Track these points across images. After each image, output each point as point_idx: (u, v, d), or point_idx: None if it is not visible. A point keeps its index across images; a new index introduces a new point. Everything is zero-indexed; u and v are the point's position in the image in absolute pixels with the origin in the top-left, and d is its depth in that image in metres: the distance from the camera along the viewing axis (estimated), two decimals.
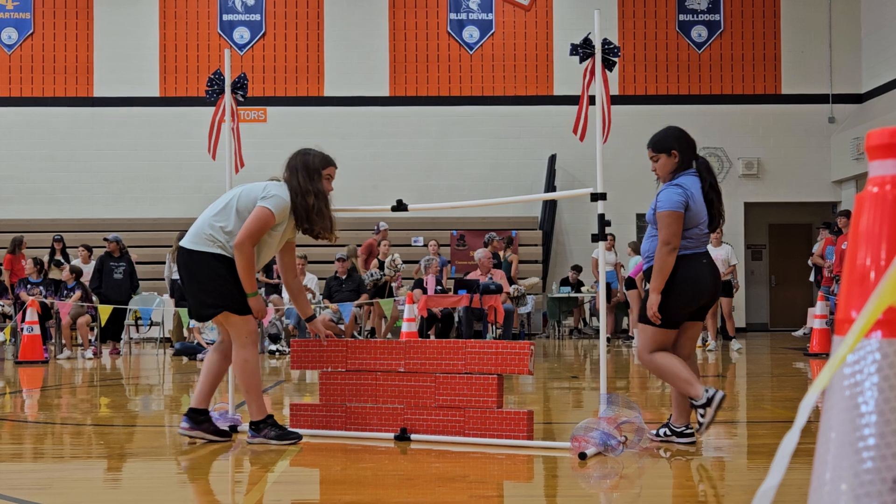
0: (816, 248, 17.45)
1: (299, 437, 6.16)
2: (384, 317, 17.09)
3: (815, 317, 14.41)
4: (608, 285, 17.74)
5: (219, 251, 6.05)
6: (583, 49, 6.12)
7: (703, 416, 5.64)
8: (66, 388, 11.13)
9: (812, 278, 19.33)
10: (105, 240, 16.87)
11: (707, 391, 5.61)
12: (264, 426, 6.12)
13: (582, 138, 6.20)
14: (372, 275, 17.09)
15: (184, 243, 6.17)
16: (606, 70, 6.08)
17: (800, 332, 18.76)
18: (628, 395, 8.52)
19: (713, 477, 5.19)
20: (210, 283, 6.06)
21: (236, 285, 6.06)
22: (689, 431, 5.87)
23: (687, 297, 5.72)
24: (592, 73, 6.08)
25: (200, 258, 6.07)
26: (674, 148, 5.86)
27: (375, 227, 18.36)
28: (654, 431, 5.97)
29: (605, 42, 6.10)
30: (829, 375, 1.49)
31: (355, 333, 16.81)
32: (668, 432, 5.92)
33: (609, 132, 6.08)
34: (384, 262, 17.48)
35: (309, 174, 6.23)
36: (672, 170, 5.87)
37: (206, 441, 6.24)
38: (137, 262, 18.26)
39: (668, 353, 5.78)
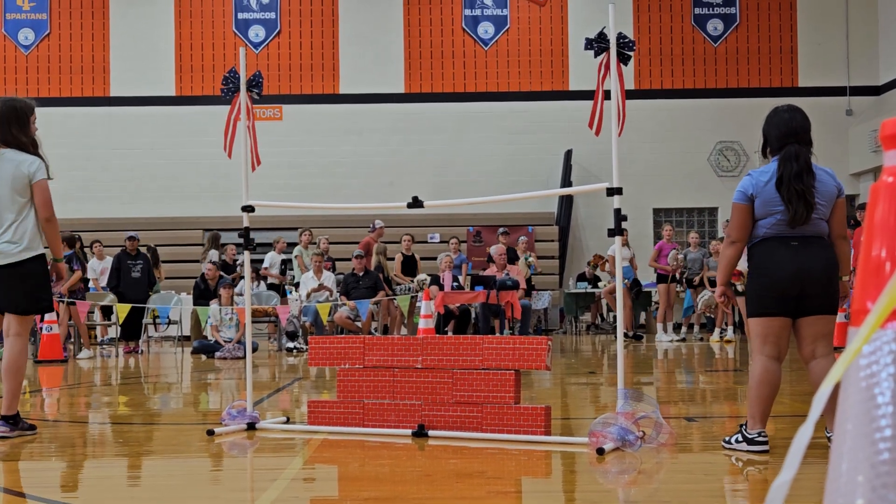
0: None
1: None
2: (403, 315, 17.13)
3: (837, 310, 14.31)
4: (636, 280, 17.72)
5: (41, 251, 6.61)
6: (598, 43, 6.10)
7: (733, 442, 5.50)
8: (85, 386, 11.19)
9: None
10: (129, 239, 16.94)
11: (760, 434, 5.39)
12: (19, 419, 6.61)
13: (598, 133, 6.17)
14: (408, 289, 17.20)
15: (21, 255, 6.52)
16: (622, 64, 6.07)
17: None
18: (646, 391, 8.50)
19: (730, 471, 5.18)
20: (44, 282, 6.63)
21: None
22: (762, 439, 5.45)
23: (771, 281, 5.36)
24: (608, 67, 6.07)
25: (36, 261, 6.56)
26: (762, 131, 5.63)
27: (371, 226, 18.32)
28: (727, 439, 5.64)
29: (620, 36, 6.08)
30: (845, 367, 1.48)
31: (372, 330, 16.84)
32: (740, 438, 5.54)
33: (623, 126, 6.04)
34: (380, 261, 17.47)
35: (21, 124, 6.88)
36: (766, 154, 5.62)
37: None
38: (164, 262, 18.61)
39: (769, 372, 5.40)
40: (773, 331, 5.42)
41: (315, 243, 18.29)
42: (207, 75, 23.01)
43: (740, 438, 5.49)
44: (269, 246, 18.86)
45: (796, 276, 5.33)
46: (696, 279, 17.68)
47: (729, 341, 16.48)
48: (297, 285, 17.40)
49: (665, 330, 17.40)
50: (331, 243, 18.85)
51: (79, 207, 22.35)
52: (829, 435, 5.38)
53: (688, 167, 22.89)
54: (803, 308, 5.39)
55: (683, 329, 18.23)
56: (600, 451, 5.42)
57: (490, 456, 5.63)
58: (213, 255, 17.77)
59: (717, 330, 17.06)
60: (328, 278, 16.88)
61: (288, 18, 23.33)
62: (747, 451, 5.42)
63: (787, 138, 5.47)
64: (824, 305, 5.42)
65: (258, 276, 17.93)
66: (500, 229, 18.66)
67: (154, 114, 22.97)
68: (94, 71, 23.14)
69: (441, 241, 21.37)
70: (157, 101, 23.04)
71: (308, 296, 16.45)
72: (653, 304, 19.81)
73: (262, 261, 18.57)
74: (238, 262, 18.06)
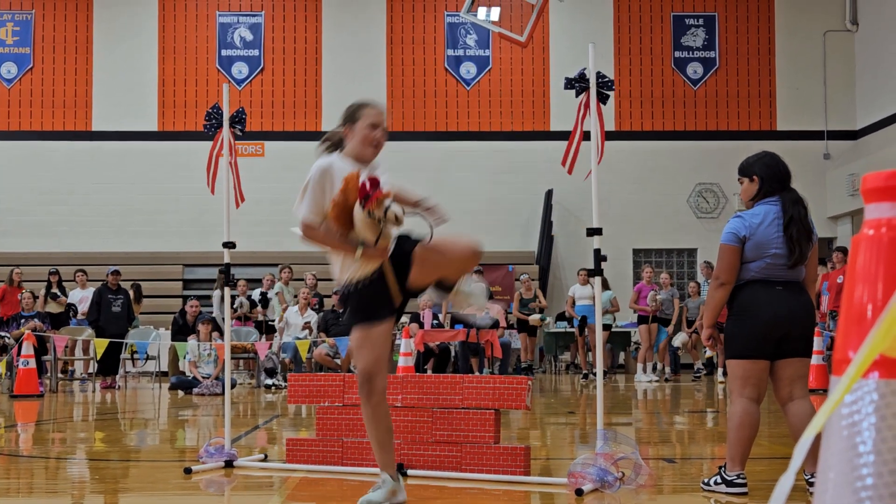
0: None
1: None
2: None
3: (812, 353, 14.36)
4: (584, 319, 17.70)
5: None
6: (577, 83, 6.17)
7: (712, 484, 5.47)
8: (61, 422, 11.09)
9: None
10: (112, 273, 16.93)
11: (739, 476, 5.38)
12: None
13: (570, 171, 6.20)
14: None
15: None
16: (601, 103, 6.13)
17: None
18: (625, 431, 8.51)
19: None
20: None
21: None
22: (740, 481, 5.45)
23: (758, 323, 5.35)
24: (587, 106, 6.13)
25: None
26: (755, 173, 5.58)
27: None
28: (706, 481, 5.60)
29: (599, 75, 6.15)
30: (827, 416, 1.50)
31: (352, 368, 16.78)
32: (719, 480, 5.51)
33: (602, 158, 6.09)
34: None
35: None
36: (752, 196, 5.59)
37: None
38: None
39: (749, 414, 5.41)
40: (755, 373, 5.44)
41: (300, 280, 18.26)
42: (190, 111, 23.04)
43: (719, 480, 5.48)
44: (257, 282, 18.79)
45: (784, 318, 5.36)
46: (674, 319, 17.81)
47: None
48: (274, 322, 17.36)
49: (645, 370, 17.46)
50: (323, 280, 18.86)
51: (59, 241, 22.27)
52: (807, 478, 5.41)
53: (667, 208, 23.04)
54: (783, 350, 5.42)
55: (664, 367, 18.26)
56: (579, 493, 5.41)
57: (470, 496, 5.62)
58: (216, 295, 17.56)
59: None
60: (311, 317, 16.85)
61: (271, 56, 23.43)
62: (726, 493, 5.42)
63: (784, 182, 5.57)
64: (804, 348, 5.49)
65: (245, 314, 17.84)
66: (475, 268, 18.66)
67: (136, 149, 22.96)
68: (76, 105, 23.14)
69: None
70: (140, 136, 23.03)
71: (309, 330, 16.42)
72: (632, 344, 19.86)
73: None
74: (252, 297, 17.99)
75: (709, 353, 18.29)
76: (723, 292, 5.48)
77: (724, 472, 5.47)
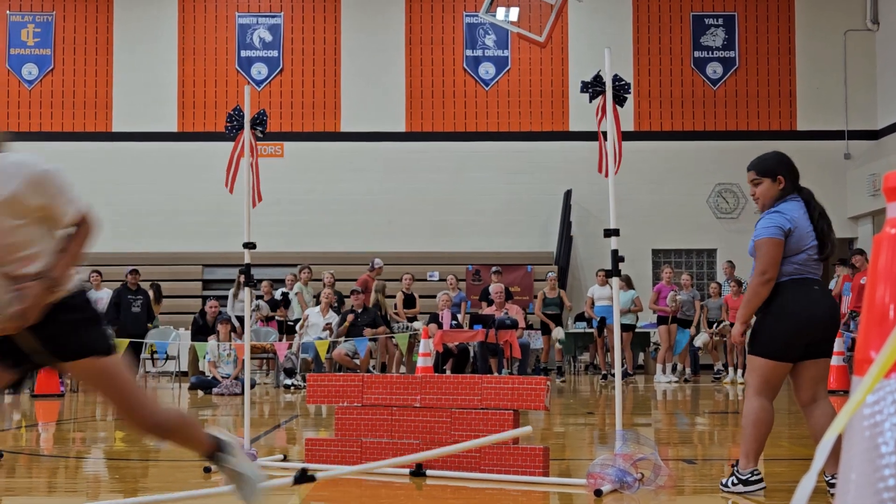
0: (834, 286, 17.34)
1: None
2: (401, 354, 17.12)
3: (833, 353, 14.30)
4: (602, 319, 17.63)
5: None
6: (593, 87, 6.16)
7: (730, 486, 5.43)
8: (81, 421, 11.15)
9: None
10: (130, 273, 16.98)
11: (753, 473, 5.37)
12: None
13: (606, 175, 6.19)
14: (406, 328, 17.22)
15: None
16: (617, 106, 6.11)
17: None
18: (645, 432, 8.48)
19: None
20: None
21: None
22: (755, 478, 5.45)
23: (798, 324, 5.29)
24: (604, 110, 6.12)
25: None
26: (780, 173, 5.54)
27: (370, 264, 18.48)
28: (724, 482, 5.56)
29: (616, 78, 6.13)
30: (848, 416, 1.49)
31: (370, 368, 16.80)
32: (735, 480, 5.48)
33: (619, 166, 6.08)
34: (378, 299, 17.49)
35: None
36: (775, 196, 5.53)
37: None
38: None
39: (766, 412, 5.38)
40: (779, 374, 5.41)
41: (319, 280, 18.31)
42: (210, 112, 23.11)
43: (735, 481, 5.45)
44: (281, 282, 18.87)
45: (819, 321, 5.35)
46: (695, 320, 17.76)
47: (729, 383, 16.47)
48: (296, 322, 17.37)
49: (664, 371, 17.41)
50: (342, 280, 18.96)
51: None
52: (827, 479, 5.38)
53: (687, 209, 22.95)
54: (809, 351, 5.38)
55: (684, 368, 18.21)
56: (598, 493, 5.40)
57: (488, 496, 5.61)
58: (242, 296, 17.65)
59: (730, 370, 17.28)
60: (332, 316, 16.87)
61: (290, 57, 23.47)
62: (745, 493, 5.39)
63: (798, 180, 5.60)
64: (828, 349, 5.49)
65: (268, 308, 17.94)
66: (493, 268, 18.61)
67: (156, 149, 23.04)
68: (96, 106, 23.25)
69: (440, 280, 21.37)
70: (160, 137, 23.11)
71: (330, 330, 16.44)
72: (651, 344, 19.79)
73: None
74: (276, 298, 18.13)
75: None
76: (768, 289, 5.36)
77: (738, 470, 5.44)
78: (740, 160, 25.27)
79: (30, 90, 23.24)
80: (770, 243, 5.36)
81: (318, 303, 17.37)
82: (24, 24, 23.39)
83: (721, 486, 5.57)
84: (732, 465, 5.55)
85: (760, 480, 5.38)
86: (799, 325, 5.30)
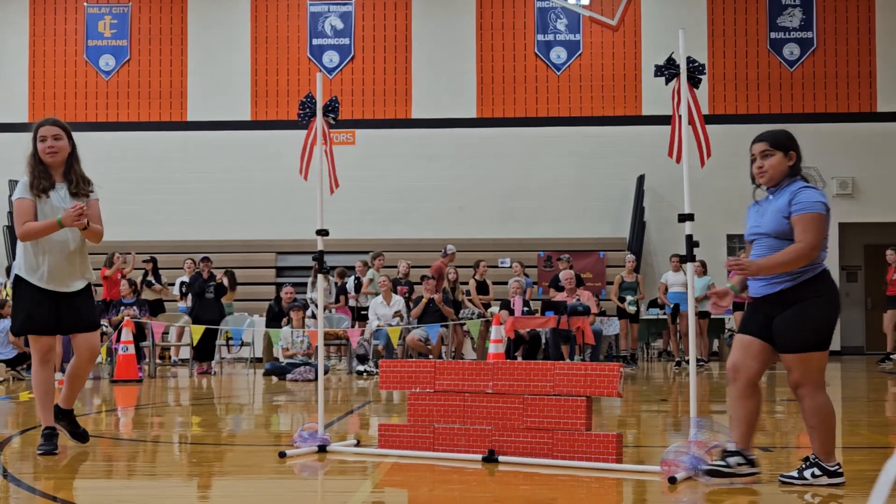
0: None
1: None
2: (472, 340, 17.15)
3: None
4: (676, 306, 17.36)
5: (20, 272, 6.50)
6: (667, 70, 6.07)
7: (809, 477, 5.27)
8: (159, 406, 11.34)
9: None
10: (203, 260, 17.24)
11: (839, 466, 5.26)
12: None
13: (678, 160, 6.11)
14: (478, 314, 17.26)
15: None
16: (693, 88, 6.02)
17: (885, 364, 17.75)
18: (719, 420, 8.38)
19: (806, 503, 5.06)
20: (16, 303, 6.58)
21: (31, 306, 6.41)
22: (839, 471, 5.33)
23: (835, 314, 5.32)
24: (679, 92, 6.03)
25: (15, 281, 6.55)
26: (793, 149, 5.49)
27: (443, 250, 18.52)
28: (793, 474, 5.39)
29: (690, 60, 6.03)
30: None
31: (442, 354, 16.84)
32: (818, 472, 5.31)
33: (704, 154, 5.99)
34: (454, 286, 17.55)
35: (33, 142, 6.50)
36: (784, 171, 5.47)
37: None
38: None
39: (832, 404, 5.31)
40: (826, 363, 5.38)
41: (394, 266, 18.44)
42: (282, 100, 23.31)
43: (818, 472, 5.27)
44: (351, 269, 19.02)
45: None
46: None
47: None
48: (367, 309, 17.48)
49: None
50: (417, 266, 19.07)
51: (154, 230, 22.71)
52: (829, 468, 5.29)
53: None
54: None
55: None
56: (672, 481, 5.35)
57: (561, 483, 5.59)
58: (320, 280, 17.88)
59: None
60: (398, 302, 16.93)
61: (362, 44, 23.56)
62: (828, 484, 5.26)
63: (801, 164, 5.56)
64: None
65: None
66: (562, 255, 18.47)
67: (229, 138, 23.31)
68: (171, 96, 23.57)
69: (509, 266, 21.34)
70: (233, 126, 23.37)
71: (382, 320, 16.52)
72: (726, 331, 19.53)
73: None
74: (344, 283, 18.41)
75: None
76: (810, 260, 5.27)
77: (824, 463, 5.28)
78: (818, 143, 25.00)
79: (107, 81, 23.65)
80: (821, 219, 5.30)
81: (376, 293, 17.41)
82: (101, 15, 23.79)
83: (794, 479, 5.37)
84: (813, 458, 5.35)
85: (843, 474, 5.27)
86: (837, 314, 5.31)
